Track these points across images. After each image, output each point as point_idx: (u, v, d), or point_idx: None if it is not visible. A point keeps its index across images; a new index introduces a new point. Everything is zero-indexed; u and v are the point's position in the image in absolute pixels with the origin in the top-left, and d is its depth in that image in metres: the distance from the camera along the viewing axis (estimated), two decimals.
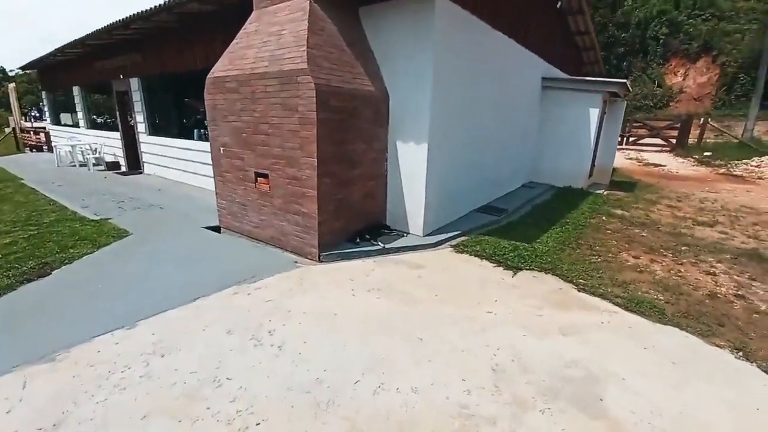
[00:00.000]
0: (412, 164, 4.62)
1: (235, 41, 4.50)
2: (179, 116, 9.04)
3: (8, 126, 27.63)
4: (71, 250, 4.05)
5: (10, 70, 43.28)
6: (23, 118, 22.57)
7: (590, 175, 8.83)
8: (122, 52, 8.67)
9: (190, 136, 7.98)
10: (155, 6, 6.11)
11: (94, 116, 11.64)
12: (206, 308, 3.04)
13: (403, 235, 4.74)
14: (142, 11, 6.44)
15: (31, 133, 15.62)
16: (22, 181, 8.37)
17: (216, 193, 5.05)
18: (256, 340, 2.64)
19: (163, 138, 8.40)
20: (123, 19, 6.92)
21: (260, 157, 4.27)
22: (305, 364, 2.41)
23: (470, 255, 4.35)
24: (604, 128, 9.08)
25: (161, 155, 8.53)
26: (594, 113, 8.00)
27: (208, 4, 5.63)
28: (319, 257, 4.04)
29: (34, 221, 5.25)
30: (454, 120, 4.92)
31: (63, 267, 3.65)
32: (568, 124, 8.35)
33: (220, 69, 4.47)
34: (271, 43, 4.03)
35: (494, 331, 2.82)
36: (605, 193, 8.40)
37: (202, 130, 8.11)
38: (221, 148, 4.71)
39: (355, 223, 4.54)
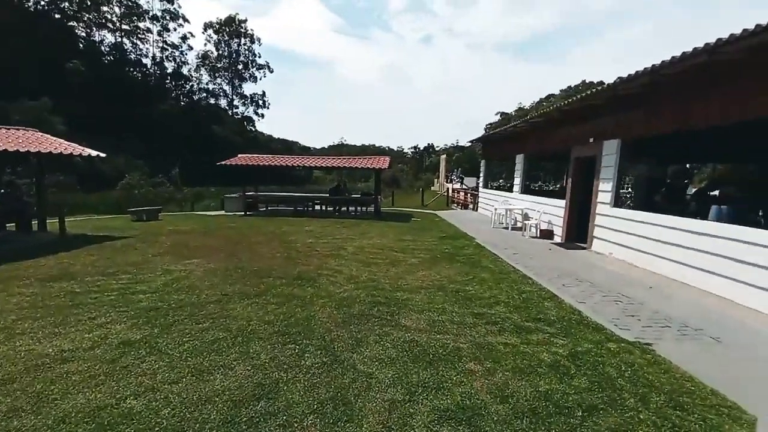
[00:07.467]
0: None
1: None
2: (663, 187, 6.83)
3: (432, 185, 37.60)
4: None
5: (436, 146, 59.80)
6: (446, 180, 29.37)
7: None
8: (596, 116, 7.57)
9: (680, 213, 5.42)
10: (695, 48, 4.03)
11: (527, 182, 11.84)
12: None
13: None
14: (664, 61, 4.57)
15: (459, 193, 19.04)
16: (476, 241, 8.81)
17: None
18: None
19: (643, 213, 6.31)
20: (638, 71, 5.32)
21: None
22: None
23: None
24: None
25: (631, 233, 6.48)
26: None
27: None
28: None
29: (535, 314, 4.16)
30: None
31: None
32: None
33: None
34: None
35: None
36: None
37: (722, 207, 5.35)
38: None
39: None
